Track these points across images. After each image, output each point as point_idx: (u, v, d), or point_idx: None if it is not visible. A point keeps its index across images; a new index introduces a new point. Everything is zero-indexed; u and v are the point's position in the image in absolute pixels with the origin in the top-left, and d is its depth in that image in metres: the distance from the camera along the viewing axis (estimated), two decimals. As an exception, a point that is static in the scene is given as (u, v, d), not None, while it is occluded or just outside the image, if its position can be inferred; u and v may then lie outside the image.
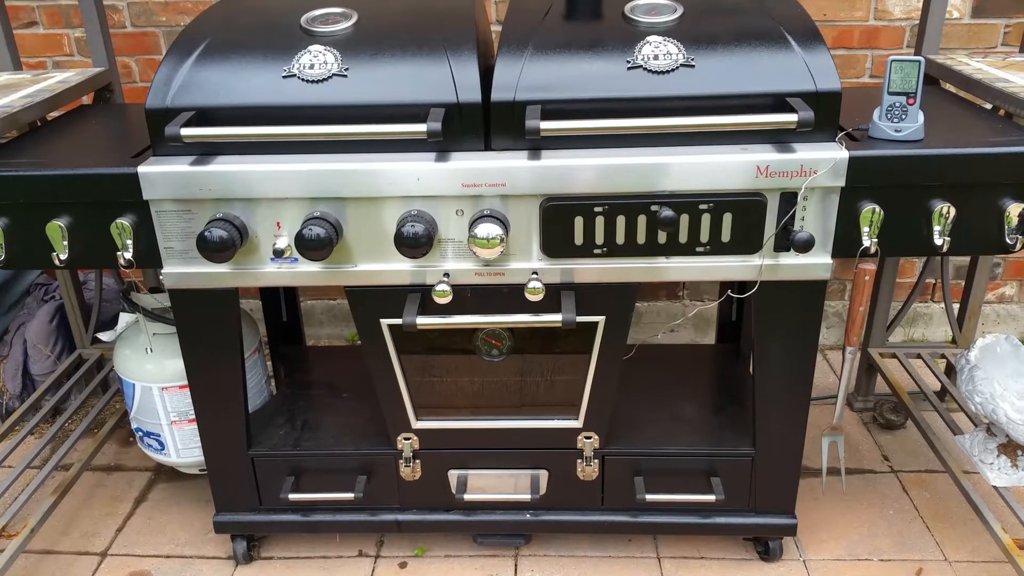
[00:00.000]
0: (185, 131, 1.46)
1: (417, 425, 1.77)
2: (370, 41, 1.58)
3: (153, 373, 1.89)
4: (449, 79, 1.51)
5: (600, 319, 1.64)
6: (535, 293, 1.53)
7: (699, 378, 2.05)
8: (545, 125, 1.44)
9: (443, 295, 1.54)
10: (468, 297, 1.61)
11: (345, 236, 1.56)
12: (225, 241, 1.50)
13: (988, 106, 1.78)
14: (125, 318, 1.98)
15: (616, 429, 1.82)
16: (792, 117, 1.42)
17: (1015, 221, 1.50)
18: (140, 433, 1.99)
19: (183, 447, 1.95)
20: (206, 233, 1.50)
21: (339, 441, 1.84)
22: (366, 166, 1.50)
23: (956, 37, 2.41)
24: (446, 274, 1.58)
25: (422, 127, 1.44)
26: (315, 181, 1.51)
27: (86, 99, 2.07)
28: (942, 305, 2.71)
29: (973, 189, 1.50)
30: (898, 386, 2.19)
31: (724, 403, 1.94)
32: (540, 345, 1.70)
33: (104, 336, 2.03)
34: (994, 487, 1.80)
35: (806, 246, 1.49)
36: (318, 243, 1.49)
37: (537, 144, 1.52)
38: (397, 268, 1.59)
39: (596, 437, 1.77)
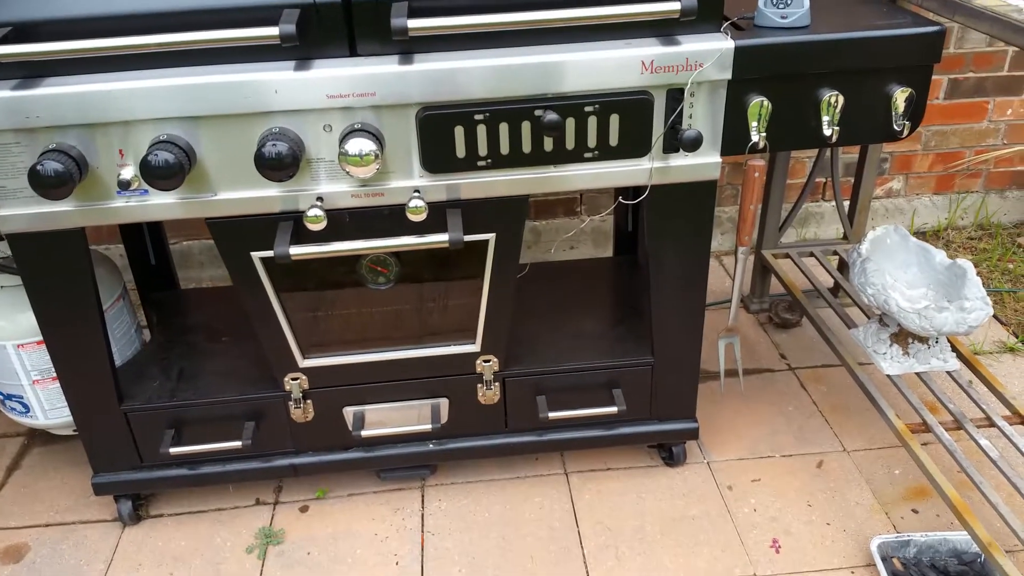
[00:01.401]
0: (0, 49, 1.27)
1: (304, 364, 1.66)
2: (209, -63, 1.40)
3: (6, 330, 1.70)
4: (303, -23, 1.36)
5: (490, 236, 1.55)
6: (417, 212, 1.42)
7: (598, 292, 2.00)
8: (414, 24, 1.30)
9: (316, 220, 1.41)
10: (346, 222, 1.49)
11: (201, 161, 1.41)
12: (61, 175, 1.33)
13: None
14: (-34, 273, 1.77)
15: (516, 350, 1.76)
16: (675, 5, 1.33)
17: (902, 107, 1.48)
18: (1, 397, 1.81)
19: (50, 407, 1.79)
20: (38, 167, 1.32)
21: (221, 387, 1.72)
22: (215, 79, 1.34)
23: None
24: (319, 198, 1.45)
25: (274, 30, 1.28)
26: (157, 99, 1.34)
27: None
28: (833, 204, 2.75)
29: (860, 76, 1.46)
30: (792, 285, 2.20)
31: (623, 315, 1.90)
32: (430, 269, 1.60)
33: (-56, 294, 1.82)
34: (887, 376, 1.83)
35: (694, 144, 1.42)
36: (166, 170, 1.34)
37: (408, 47, 1.39)
38: (264, 195, 1.45)
39: (495, 360, 1.70)
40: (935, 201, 2.82)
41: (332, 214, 1.45)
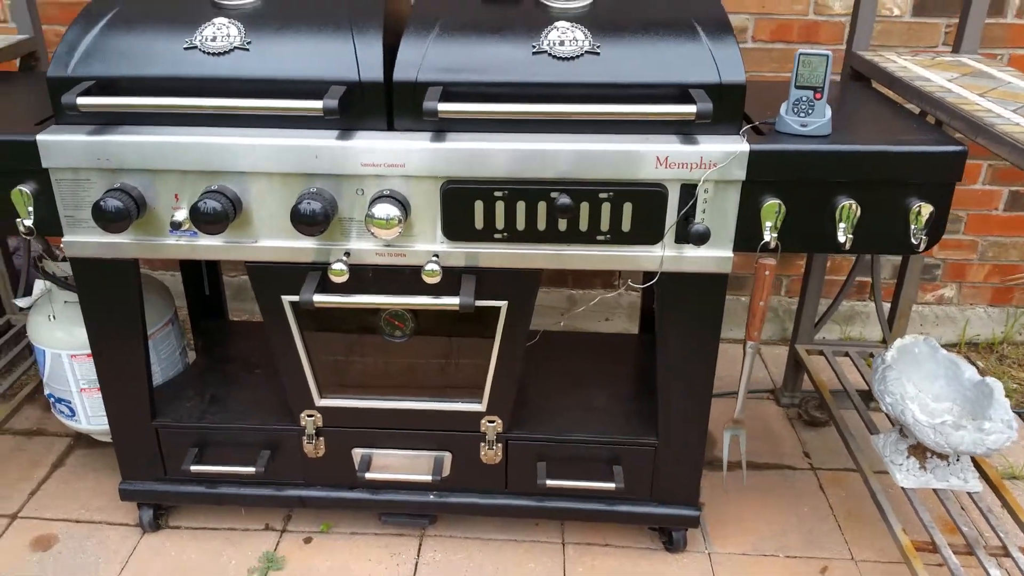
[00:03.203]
0: (81, 100, 1.45)
1: (321, 403, 1.77)
2: (276, 15, 1.56)
3: (63, 340, 1.87)
4: (352, 56, 1.49)
5: (502, 304, 1.63)
6: (432, 275, 1.52)
7: (614, 367, 2.03)
8: (443, 107, 1.42)
9: (339, 274, 1.53)
10: (369, 277, 1.60)
11: (246, 211, 1.55)
12: (120, 211, 1.49)
13: (917, 109, 1.76)
14: (40, 285, 1.96)
15: (522, 414, 1.82)
16: (691, 108, 1.40)
17: (921, 221, 1.49)
18: (52, 399, 1.98)
19: (93, 415, 1.95)
20: (101, 203, 1.48)
21: (244, 415, 1.84)
22: (264, 141, 1.48)
23: (897, 35, 2.38)
24: (347, 253, 1.57)
25: (318, 104, 1.42)
26: (211, 154, 1.49)
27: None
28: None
29: (879, 187, 1.49)
30: (821, 384, 2.18)
31: (635, 393, 1.93)
32: (443, 328, 1.69)
33: (20, 302, 2.02)
34: (902, 488, 1.80)
35: (701, 239, 1.47)
36: (213, 217, 1.48)
37: (439, 126, 1.51)
38: (299, 245, 1.57)
39: (499, 421, 1.76)
40: (990, 313, 2.74)
41: (357, 269, 1.57)
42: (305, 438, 1.79)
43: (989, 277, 2.68)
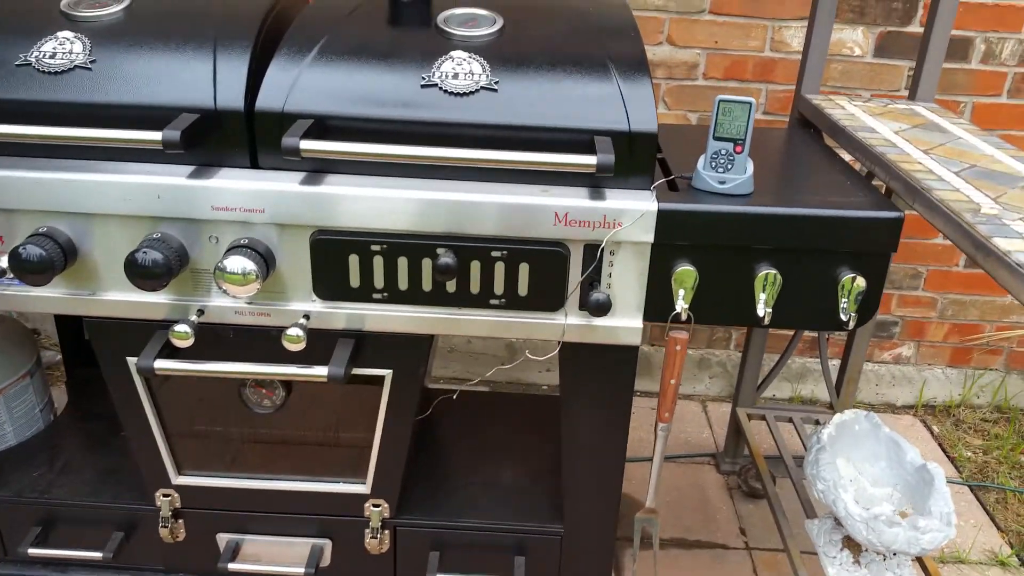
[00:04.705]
0: None
1: (178, 481, 1.54)
2: (134, 29, 1.35)
3: None
4: (210, 80, 1.29)
5: (386, 372, 1.42)
6: (294, 342, 1.30)
7: (529, 436, 1.81)
8: (306, 145, 1.21)
9: (182, 337, 1.30)
10: (230, 339, 1.38)
11: (85, 257, 1.33)
12: (-76, 256, 1.27)
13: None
14: None
15: (414, 494, 1.61)
16: (591, 160, 1.21)
17: (850, 295, 1.30)
18: None
19: (-70, 482, 1.70)
20: (-96, 245, 1.27)
21: (96, 490, 1.60)
22: (96, 177, 1.26)
23: (858, 76, 2.23)
24: (200, 311, 1.35)
25: (157, 135, 1.21)
26: (39, 191, 1.27)
27: None
28: (835, 362, 2.53)
29: (803, 256, 1.30)
30: (757, 453, 1.99)
31: (547, 469, 1.71)
32: (320, 398, 1.48)
33: None
34: (835, 583, 1.60)
35: (601, 309, 1.28)
36: (34, 265, 1.26)
37: (314, 166, 1.30)
38: (147, 300, 1.35)
39: (386, 505, 1.55)
40: (949, 374, 2.57)
41: (214, 329, 1.36)
42: (160, 521, 1.56)
43: (948, 336, 2.52)
